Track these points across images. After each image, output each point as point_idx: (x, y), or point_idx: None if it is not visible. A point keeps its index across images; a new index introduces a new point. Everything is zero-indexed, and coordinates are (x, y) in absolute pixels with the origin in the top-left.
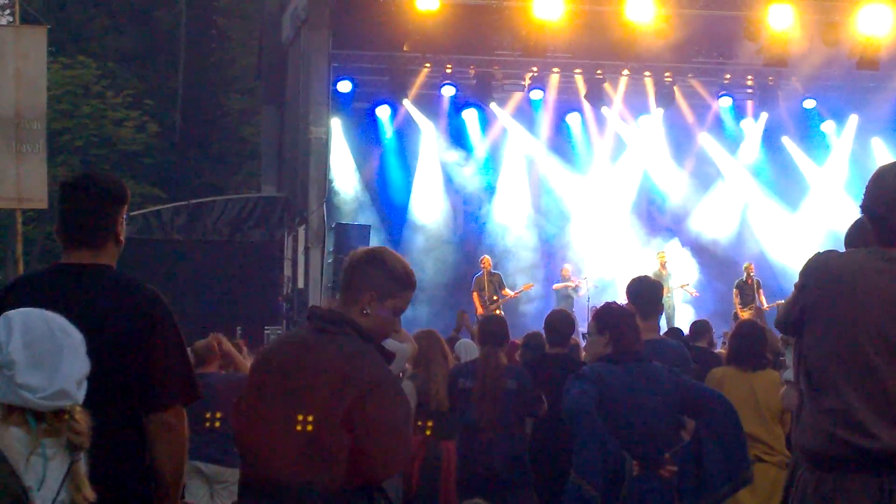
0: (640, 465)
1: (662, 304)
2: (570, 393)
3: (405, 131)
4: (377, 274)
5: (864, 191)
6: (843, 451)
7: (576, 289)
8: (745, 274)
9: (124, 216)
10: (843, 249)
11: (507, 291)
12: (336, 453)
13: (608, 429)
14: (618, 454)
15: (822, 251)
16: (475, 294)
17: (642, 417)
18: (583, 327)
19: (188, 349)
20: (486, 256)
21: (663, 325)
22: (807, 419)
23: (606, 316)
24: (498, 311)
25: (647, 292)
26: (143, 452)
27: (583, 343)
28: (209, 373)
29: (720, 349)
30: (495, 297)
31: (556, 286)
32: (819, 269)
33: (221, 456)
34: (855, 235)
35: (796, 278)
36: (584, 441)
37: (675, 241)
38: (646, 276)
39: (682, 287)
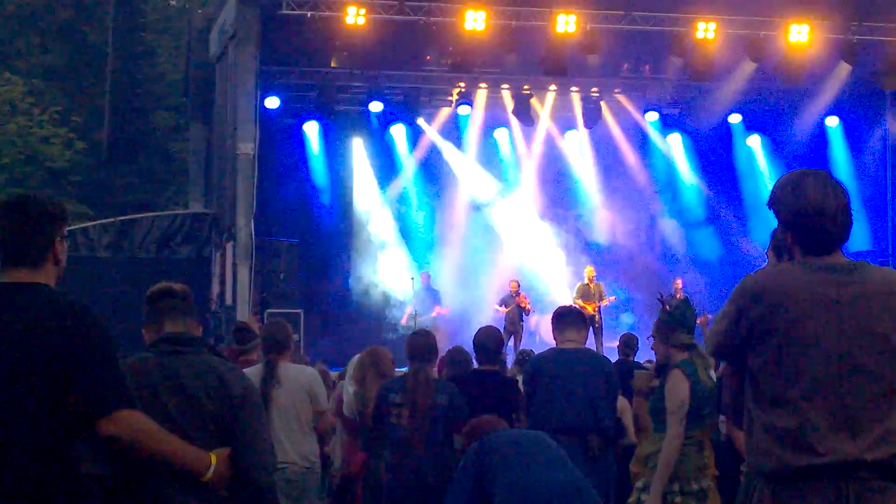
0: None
1: (587, 321)
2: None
3: (333, 147)
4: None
5: (774, 200)
6: (798, 470)
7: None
8: (673, 289)
9: (63, 236)
10: (767, 258)
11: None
12: None
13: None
14: None
15: (752, 273)
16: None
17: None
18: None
19: None
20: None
21: (591, 340)
22: (758, 441)
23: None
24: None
25: (568, 316)
26: (78, 467)
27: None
28: None
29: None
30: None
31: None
32: (756, 290)
33: None
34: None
35: (726, 294)
36: None
37: (602, 256)
38: (568, 306)
39: (609, 300)
